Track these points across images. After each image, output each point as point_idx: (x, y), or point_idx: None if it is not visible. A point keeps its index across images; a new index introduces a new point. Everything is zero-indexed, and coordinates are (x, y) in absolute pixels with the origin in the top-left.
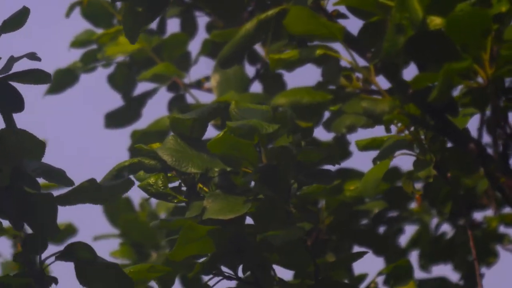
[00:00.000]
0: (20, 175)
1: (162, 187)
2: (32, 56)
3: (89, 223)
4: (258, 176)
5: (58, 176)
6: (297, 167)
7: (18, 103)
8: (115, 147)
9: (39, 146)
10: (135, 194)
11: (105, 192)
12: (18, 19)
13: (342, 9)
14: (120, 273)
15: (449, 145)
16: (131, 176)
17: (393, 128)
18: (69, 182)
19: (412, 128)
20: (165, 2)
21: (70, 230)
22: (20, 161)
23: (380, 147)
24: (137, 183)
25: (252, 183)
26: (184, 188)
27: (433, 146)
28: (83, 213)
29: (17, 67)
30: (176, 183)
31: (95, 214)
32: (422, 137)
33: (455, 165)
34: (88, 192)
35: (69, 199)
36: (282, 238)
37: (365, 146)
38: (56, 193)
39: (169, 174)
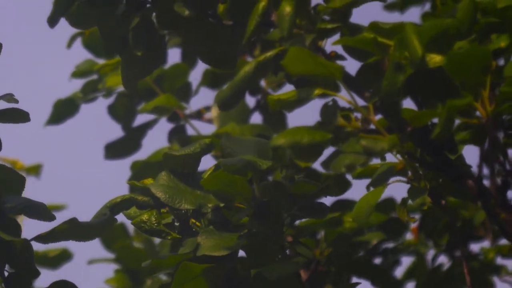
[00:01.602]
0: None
1: (155, 224)
2: (10, 99)
3: (83, 245)
4: (251, 211)
5: (38, 211)
6: (291, 200)
7: None
8: (115, 178)
9: (19, 180)
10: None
11: (87, 230)
12: None
13: (340, 50)
14: None
15: None
16: (122, 213)
17: (390, 157)
18: (50, 217)
19: (406, 156)
20: (163, 48)
21: (66, 255)
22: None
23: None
24: (122, 217)
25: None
26: (177, 224)
27: (428, 173)
28: None
29: None
30: (169, 219)
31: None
32: (417, 164)
33: (450, 192)
34: (69, 232)
35: (50, 238)
36: (277, 273)
37: (359, 174)
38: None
39: (162, 210)
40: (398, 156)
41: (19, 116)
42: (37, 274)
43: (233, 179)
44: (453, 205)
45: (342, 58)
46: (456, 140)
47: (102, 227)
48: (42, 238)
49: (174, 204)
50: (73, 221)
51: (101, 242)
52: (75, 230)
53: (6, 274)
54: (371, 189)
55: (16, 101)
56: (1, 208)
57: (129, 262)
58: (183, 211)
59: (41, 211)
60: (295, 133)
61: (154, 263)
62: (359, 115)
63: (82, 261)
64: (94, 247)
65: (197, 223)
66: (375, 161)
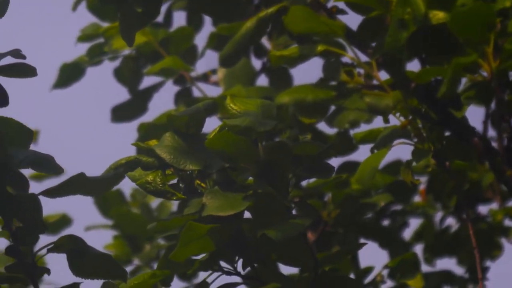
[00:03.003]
0: (7, 170)
1: (160, 185)
2: (17, 54)
3: (81, 213)
4: (256, 172)
5: (46, 164)
6: (295, 161)
7: (2, 98)
8: (121, 141)
9: (27, 134)
10: (126, 185)
11: (95, 185)
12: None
13: (341, 4)
14: (113, 263)
15: (447, 133)
16: (126, 175)
17: (394, 121)
18: (58, 170)
19: (410, 118)
20: (159, 2)
21: (65, 220)
22: (8, 151)
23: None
24: (128, 180)
25: (251, 179)
26: (182, 185)
27: (432, 135)
28: (74, 203)
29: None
30: (174, 180)
31: (86, 205)
32: (420, 126)
33: (454, 154)
34: (77, 185)
35: (58, 192)
36: (282, 234)
37: (362, 138)
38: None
39: (167, 171)
40: (401, 118)
41: (26, 71)
42: (45, 228)
43: (237, 140)
44: (461, 167)
45: (343, 12)
46: (462, 99)
47: (110, 181)
48: (50, 192)
49: (179, 164)
50: (81, 176)
51: (98, 209)
52: (84, 184)
53: (13, 228)
54: (375, 151)
55: (24, 57)
56: (8, 162)
57: (127, 228)
58: (188, 172)
59: (49, 165)
60: (299, 91)
61: (159, 225)
62: (362, 71)
63: (79, 228)
64: (91, 214)
65: (202, 184)
66: (379, 125)
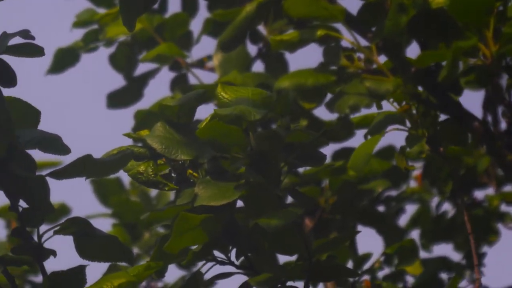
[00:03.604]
0: (15, 151)
1: (152, 175)
2: (26, 34)
3: (79, 202)
4: (247, 161)
5: (54, 144)
6: (287, 149)
7: (10, 78)
8: (117, 128)
9: (34, 114)
10: (125, 173)
11: (102, 167)
12: None
13: None
14: (119, 245)
15: (440, 119)
16: None
17: (387, 107)
18: (65, 150)
19: (403, 103)
20: None
21: (64, 209)
22: (15, 132)
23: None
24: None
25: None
26: (174, 175)
27: (425, 121)
28: (73, 192)
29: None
30: (166, 171)
31: (85, 193)
32: (414, 111)
33: (448, 139)
34: (84, 167)
35: (65, 174)
36: (274, 223)
37: (357, 123)
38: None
39: (158, 162)
40: (395, 104)
41: (34, 51)
42: (52, 209)
43: (228, 129)
44: (456, 152)
45: None
46: (461, 82)
47: (117, 163)
48: (57, 174)
49: (171, 154)
50: (88, 157)
51: (97, 197)
52: (90, 166)
53: (20, 209)
54: (369, 137)
55: (33, 38)
56: (16, 144)
57: (126, 216)
58: (180, 162)
59: (57, 145)
60: (299, 75)
61: (152, 215)
62: (362, 56)
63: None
64: (89, 203)
65: (194, 173)
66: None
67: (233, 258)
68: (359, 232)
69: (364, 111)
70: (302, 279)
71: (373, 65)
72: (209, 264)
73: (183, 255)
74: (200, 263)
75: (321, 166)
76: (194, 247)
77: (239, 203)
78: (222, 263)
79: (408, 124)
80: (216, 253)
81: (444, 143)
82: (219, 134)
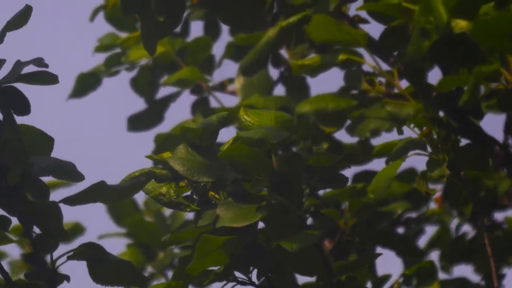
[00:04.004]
0: (28, 178)
1: (174, 197)
2: (39, 62)
3: (93, 221)
4: (269, 183)
5: (68, 172)
6: (309, 172)
7: (23, 107)
8: (138, 151)
9: (48, 142)
10: (140, 193)
11: (115, 193)
12: (22, 18)
13: (363, 13)
14: (133, 270)
15: (461, 144)
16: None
17: (408, 133)
18: (79, 177)
19: (424, 128)
20: (182, 10)
21: (78, 229)
22: (29, 159)
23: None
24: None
25: (265, 190)
26: (196, 197)
27: (446, 146)
28: (87, 212)
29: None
30: (187, 192)
31: (100, 213)
32: (435, 137)
33: (469, 164)
34: (98, 193)
35: (78, 200)
36: (296, 245)
37: (378, 151)
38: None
39: (180, 183)
40: (416, 129)
41: (47, 79)
42: (65, 235)
43: (250, 151)
44: (476, 175)
45: (365, 21)
46: (482, 106)
47: (130, 189)
48: (71, 200)
49: (193, 176)
50: (102, 184)
51: (111, 217)
52: (104, 192)
53: (34, 235)
54: (390, 163)
55: (46, 65)
56: (29, 170)
57: (141, 236)
58: (202, 184)
59: (70, 172)
60: (320, 100)
61: (173, 237)
62: (383, 80)
63: (92, 236)
64: (103, 223)
65: (216, 195)
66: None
67: (254, 278)
68: (380, 254)
69: (384, 136)
70: None
71: (394, 90)
72: (230, 284)
73: (205, 275)
74: (221, 283)
75: (344, 188)
76: (215, 268)
77: (260, 224)
78: (243, 283)
79: (429, 149)
80: (237, 273)
81: (464, 167)
82: (241, 157)
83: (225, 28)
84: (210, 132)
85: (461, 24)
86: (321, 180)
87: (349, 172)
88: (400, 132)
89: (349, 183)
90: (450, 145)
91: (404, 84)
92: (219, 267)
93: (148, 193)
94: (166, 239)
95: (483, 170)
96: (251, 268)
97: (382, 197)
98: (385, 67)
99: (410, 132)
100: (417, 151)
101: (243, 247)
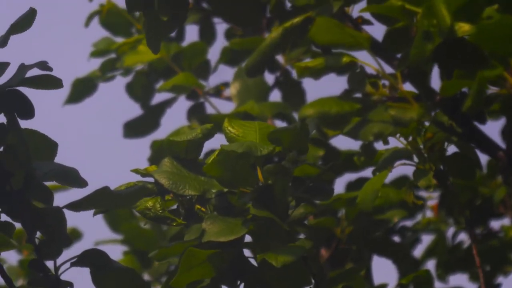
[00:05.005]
0: (32, 183)
1: (160, 211)
2: (43, 66)
3: (89, 227)
4: (255, 196)
5: (71, 177)
6: (294, 183)
7: (27, 110)
8: (133, 157)
9: (51, 146)
10: None
11: (119, 199)
12: (26, 21)
13: (366, 15)
14: (135, 277)
15: (448, 153)
16: None
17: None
18: (82, 183)
19: (410, 138)
20: (186, 9)
21: (76, 234)
22: (32, 164)
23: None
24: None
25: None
26: (182, 210)
27: (432, 155)
28: (82, 217)
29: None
30: (174, 206)
31: (94, 219)
32: (421, 146)
33: (455, 173)
34: (101, 199)
35: (82, 205)
36: (281, 259)
37: (363, 162)
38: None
39: (166, 197)
40: (402, 139)
41: (52, 83)
42: (69, 242)
43: (235, 164)
44: (463, 184)
45: (369, 23)
46: (486, 111)
47: (134, 195)
48: (74, 206)
49: (178, 190)
50: (105, 190)
51: (107, 224)
52: (107, 198)
53: (37, 241)
54: (377, 174)
55: (50, 69)
56: (33, 175)
57: (137, 243)
58: (187, 197)
59: (74, 178)
60: (324, 103)
61: (160, 252)
62: (386, 83)
63: (89, 242)
64: (99, 229)
65: (202, 208)
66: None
67: None
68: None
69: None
70: None
71: (397, 93)
72: None
73: None
74: None
75: (329, 200)
76: (202, 282)
77: (247, 237)
78: None
79: (415, 158)
80: (224, 287)
81: (452, 175)
82: (226, 169)
83: (220, 33)
84: (195, 145)
85: (464, 28)
86: (307, 191)
87: (344, 179)
88: (386, 142)
89: (343, 191)
90: (436, 155)
91: (407, 86)
92: (205, 280)
93: (135, 207)
94: (154, 254)
95: (470, 179)
96: (238, 282)
97: (369, 209)
98: (388, 69)
99: (396, 141)
100: (403, 161)
101: (230, 261)
